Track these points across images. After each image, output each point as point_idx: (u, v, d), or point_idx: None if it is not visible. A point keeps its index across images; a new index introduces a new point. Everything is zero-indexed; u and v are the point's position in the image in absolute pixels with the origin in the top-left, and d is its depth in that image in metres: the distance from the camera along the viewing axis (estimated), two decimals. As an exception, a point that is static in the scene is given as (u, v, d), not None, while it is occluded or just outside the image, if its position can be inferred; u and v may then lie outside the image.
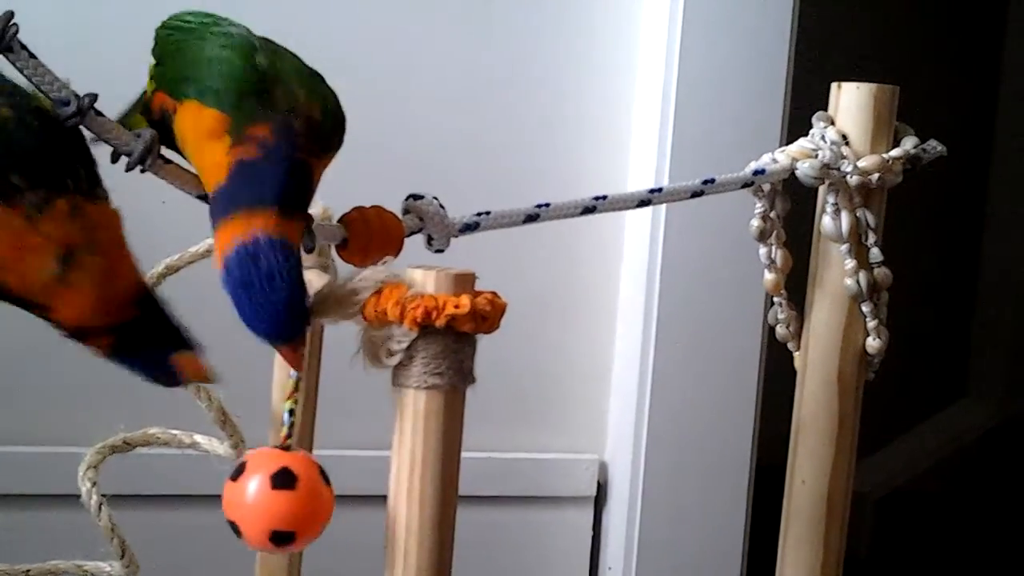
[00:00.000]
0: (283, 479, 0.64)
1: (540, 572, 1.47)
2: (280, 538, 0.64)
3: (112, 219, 0.61)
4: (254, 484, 0.64)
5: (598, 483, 1.47)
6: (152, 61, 0.68)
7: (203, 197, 0.65)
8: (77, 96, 0.61)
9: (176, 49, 0.65)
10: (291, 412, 0.69)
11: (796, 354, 0.86)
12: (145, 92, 0.69)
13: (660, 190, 0.79)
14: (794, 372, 0.87)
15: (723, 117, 1.41)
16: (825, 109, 0.84)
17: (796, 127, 1.40)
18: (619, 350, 1.47)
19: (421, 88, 1.37)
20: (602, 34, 1.43)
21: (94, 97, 0.62)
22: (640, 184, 1.42)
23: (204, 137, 0.62)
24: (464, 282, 0.64)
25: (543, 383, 1.45)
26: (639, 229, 1.43)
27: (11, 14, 0.60)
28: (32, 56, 0.61)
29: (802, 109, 1.47)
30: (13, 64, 0.62)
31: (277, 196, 0.60)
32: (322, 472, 0.66)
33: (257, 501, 0.64)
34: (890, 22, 2.55)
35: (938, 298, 2.58)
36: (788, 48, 1.42)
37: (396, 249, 0.70)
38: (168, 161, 0.66)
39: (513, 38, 1.41)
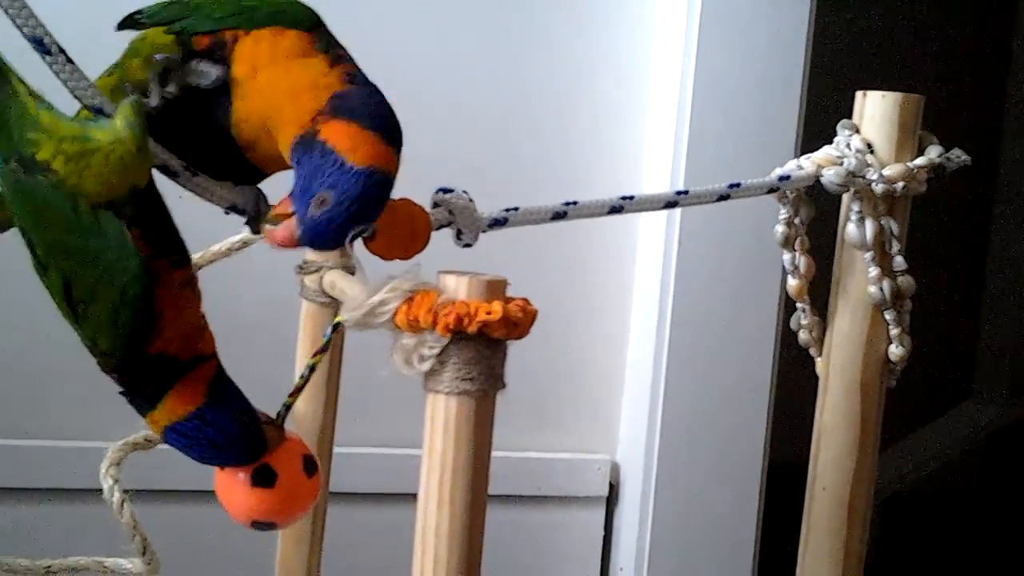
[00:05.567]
0: (262, 477, 0.66)
1: (551, 572, 1.47)
2: (261, 525, 0.67)
3: None
4: (235, 479, 0.66)
5: (610, 484, 1.47)
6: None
7: (235, 209, 0.65)
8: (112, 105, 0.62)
9: (209, 2, 0.65)
10: (288, 407, 0.69)
11: (818, 360, 0.87)
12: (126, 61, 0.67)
13: (687, 192, 0.80)
14: (806, 375, 0.88)
15: (738, 121, 1.41)
16: (839, 115, 0.85)
17: (811, 132, 1.40)
18: (632, 351, 1.47)
19: (439, 89, 1.38)
20: (618, 37, 1.43)
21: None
22: (654, 188, 1.42)
23: (289, 58, 0.62)
24: (496, 288, 0.64)
25: (556, 383, 1.45)
26: (653, 231, 1.44)
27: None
28: (69, 61, 0.61)
29: (817, 114, 1.48)
30: (50, 67, 0.62)
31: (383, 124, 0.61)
32: (307, 461, 0.67)
33: (237, 496, 0.66)
34: (904, 31, 2.56)
35: (943, 300, 2.58)
36: (804, 53, 1.42)
37: (423, 242, 0.70)
38: (196, 173, 0.65)
39: (530, 43, 1.41)
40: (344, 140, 0.59)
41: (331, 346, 0.97)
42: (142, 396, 0.64)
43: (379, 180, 0.59)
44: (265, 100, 0.62)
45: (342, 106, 0.61)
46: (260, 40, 0.63)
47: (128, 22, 0.67)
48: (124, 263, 0.59)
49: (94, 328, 0.62)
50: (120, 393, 0.65)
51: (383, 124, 0.61)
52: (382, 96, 0.63)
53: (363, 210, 0.59)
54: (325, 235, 0.60)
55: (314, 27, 0.64)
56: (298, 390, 0.71)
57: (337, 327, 0.68)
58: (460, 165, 1.36)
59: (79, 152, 0.59)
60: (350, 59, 0.64)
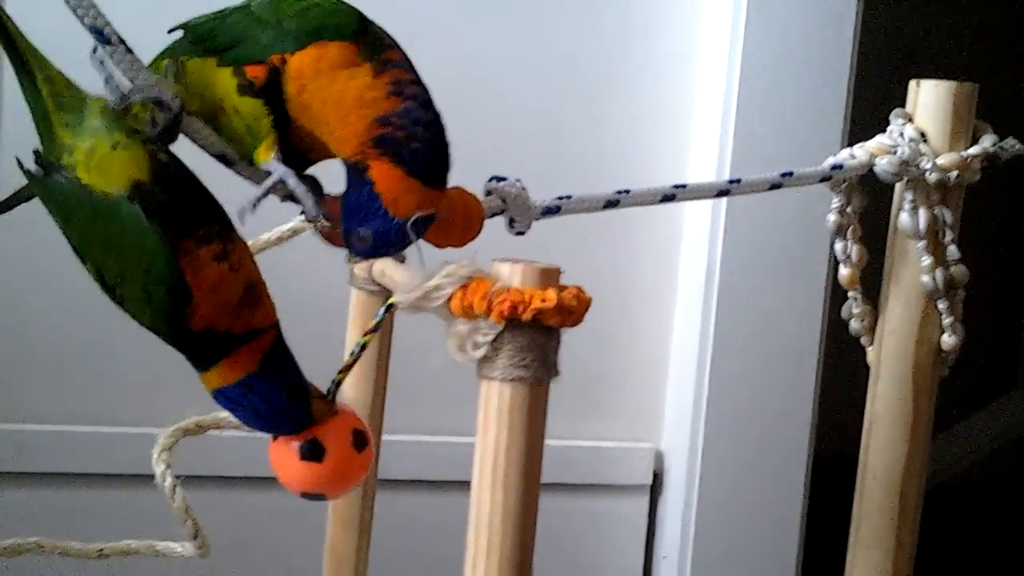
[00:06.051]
0: (311, 451, 0.66)
1: (595, 560, 1.48)
2: (311, 496, 0.68)
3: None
4: (285, 450, 0.67)
5: (654, 472, 1.47)
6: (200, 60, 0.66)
7: (291, 198, 0.66)
8: (171, 95, 0.62)
9: (251, 23, 0.65)
10: (338, 384, 0.70)
11: (869, 349, 0.86)
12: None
13: (739, 181, 0.79)
14: (853, 364, 0.87)
15: (785, 110, 1.40)
16: (886, 104, 0.84)
17: (858, 120, 1.40)
18: (677, 339, 1.47)
19: (488, 79, 1.38)
20: (665, 25, 1.43)
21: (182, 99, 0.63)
22: (700, 177, 1.42)
23: (334, 69, 0.62)
24: (550, 276, 0.64)
25: (600, 372, 1.45)
26: (698, 219, 1.43)
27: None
28: (129, 51, 0.62)
29: (864, 103, 1.47)
30: (109, 57, 0.62)
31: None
32: (357, 435, 0.68)
33: (288, 466, 0.67)
34: (953, 19, 2.54)
35: (988, 290, 2.56)
36: (852, 41, 1.41)
37: (476, 230, 0.70)
38: (251, 163, 0.65)
39: (577, 32, 1.41)
40: (389, 188, 0.62)
41: (381, 334, 0.98)
42: (199, 359, 0.65)
43: (417, 224, 0.63)
44: (311, 115, 0.63)
45: (388, 139, 0.62)
46: (305, 56, 0.63)
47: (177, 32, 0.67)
48: (144, 243, 0.61)
49: (135, 310, 0.63)
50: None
51: (426, 163, 0.63)
52: (428, 110, 0.63)
53: (401, 249, 0.64)
54: (368, 258, 0.66)
55: (357, 34, 0.63)
56: (348, 367, 0.71)
57: (390, 308, 0.68)
58: (506, 154, 1.36)
59: (75, 161, 0.62)
60: (399, 61, 0.64)
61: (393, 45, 0.64)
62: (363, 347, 0.72)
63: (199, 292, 0.61)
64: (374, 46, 0.63)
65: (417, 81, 0.64)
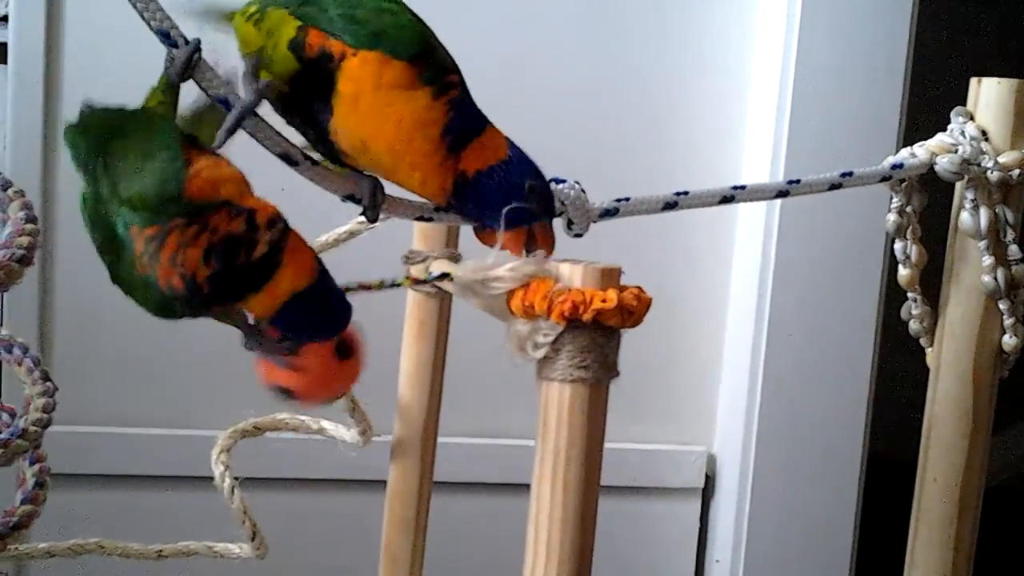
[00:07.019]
0: (347, 348, 0.65)
1: (647, 563, 1.47)
2: (335, 399, 0.68)
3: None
4: (315, 357, 0.64)
5: (706, 475, 1.47)
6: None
7: (352, 198, 0.66)
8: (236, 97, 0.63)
9: None
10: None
11: (928, 351, 0.85)
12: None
13: (798, 182, 0.79)
14: (905, 367, 0.86)
15: (840, 109, 1.39)
16: (942, 103, 0.84)
17: (913, 121, 1.38)
18: (729, 342, 1.46)
19: (541, 82, 1.38)
20: (720, 24, 1.43)
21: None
22: (754, 178, 1.41)
23: (392, 89, 0.63)
24: (610, 277, 0.64)
25: (653, 375, 1.45)
26: (752, 221, 1.43)
27: (198, 43, 0.62)
28: (210, 68, 0.63)
29: (919, 101, 1.45)
30: (198, 84, 0.63)
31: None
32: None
33: (327, 374, 0.65)
34: (1008, 16, 2.51)
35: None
36: (908, 38, 1.40)
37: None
38: (316, 163, 0.66)
39: (631, 31, 1.41)
40: (487, 154, 0.65)
41: (436, 338, 0.98)
42: (256, 276, 0.62)
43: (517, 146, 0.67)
44: (363, 126, 0.64)
45: (458, 136, 0.64)
46: (367, 63, 0.63)
47: None
48: (161, 129, 0.62)
49: (139, 178, 0.61)
50: (228, 295, 0.62)
51: (484, 119, 0.66)
52: (471, 99, 0.66)
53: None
54: (553, 203, 0.68)
55: (419, 57, 0.64)
56: (367, 287, 0.70)
57: (445, 276, 0.68)
58: (562, 156, 1.35)
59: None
60: (456, 83, 0.65)
61: (454, 68, 0.65)
62: (393, 283, 0.71)
63: (197, 163, 0.61)
64: (436, 71, 0.64)
65: (471, 101, 0.66)
